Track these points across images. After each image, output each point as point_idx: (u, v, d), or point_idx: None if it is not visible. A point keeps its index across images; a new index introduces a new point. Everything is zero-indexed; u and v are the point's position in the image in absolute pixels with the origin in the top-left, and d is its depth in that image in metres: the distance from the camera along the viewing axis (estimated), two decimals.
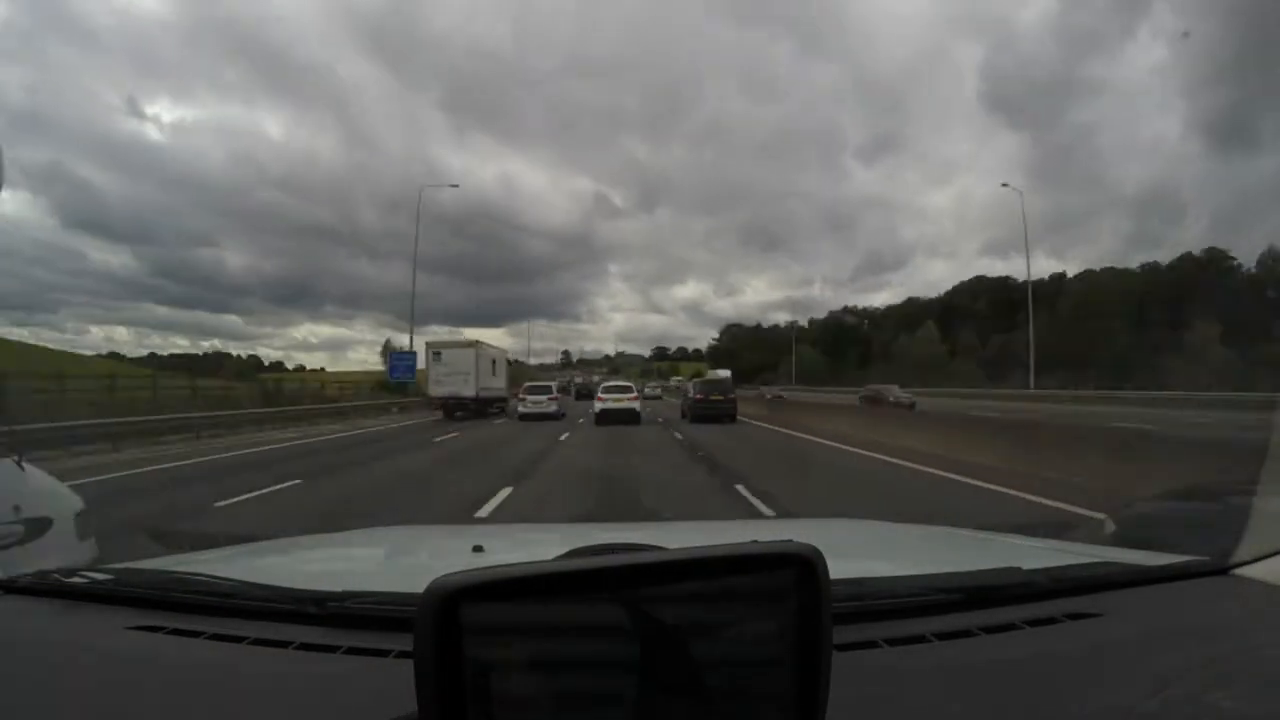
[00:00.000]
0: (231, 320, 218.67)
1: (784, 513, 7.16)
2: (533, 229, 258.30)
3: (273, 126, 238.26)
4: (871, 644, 0.98)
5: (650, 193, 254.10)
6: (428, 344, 27.89)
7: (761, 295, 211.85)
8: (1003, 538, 1.95)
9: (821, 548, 0.65)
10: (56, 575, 1.24)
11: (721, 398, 21.87)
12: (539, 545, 1.92)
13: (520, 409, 23.78)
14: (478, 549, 1.48)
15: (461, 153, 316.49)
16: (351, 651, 0.97)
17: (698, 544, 0.66)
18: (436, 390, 25.67)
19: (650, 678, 0.61)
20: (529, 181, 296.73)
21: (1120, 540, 2.09)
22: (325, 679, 0.93)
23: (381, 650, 0.95)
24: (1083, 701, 0.87)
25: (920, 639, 1.00)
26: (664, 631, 0.61)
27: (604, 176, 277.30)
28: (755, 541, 0.67)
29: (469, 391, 25.26)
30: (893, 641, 0.99)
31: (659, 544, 0.83)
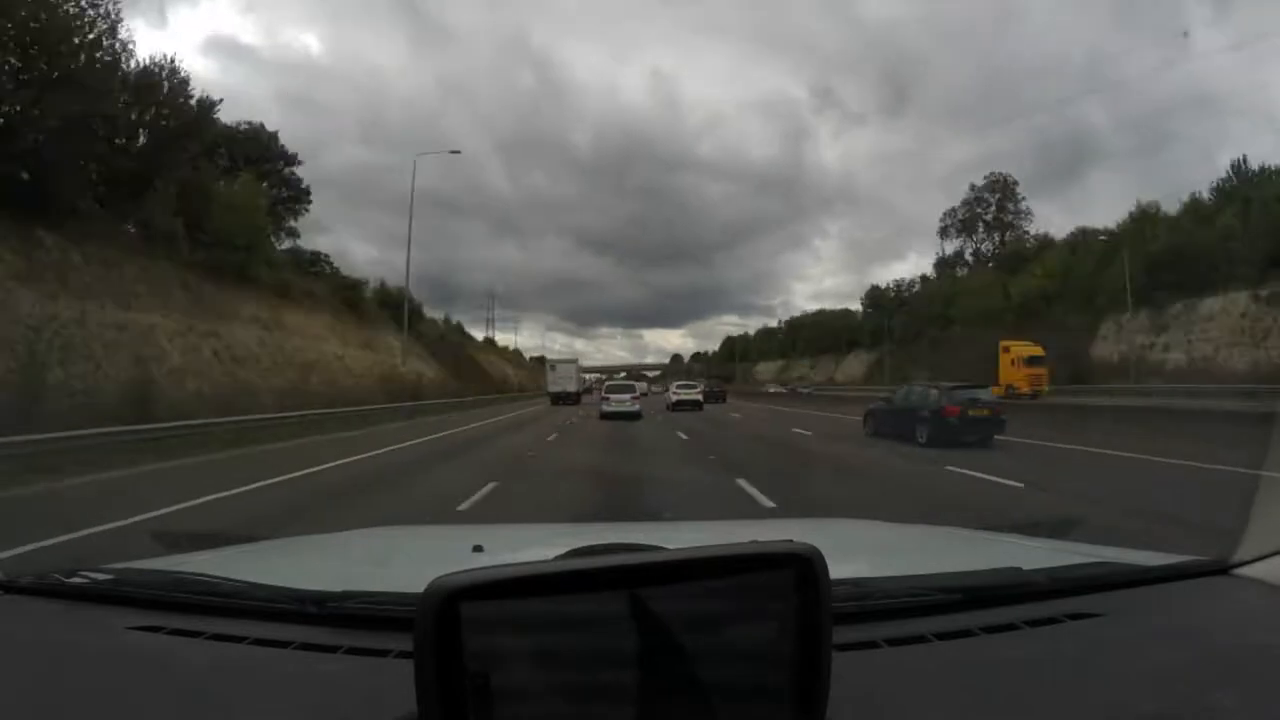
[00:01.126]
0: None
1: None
2: (714, 167, 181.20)
3: (312, 41, 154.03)
4: (871, 644, 0.98)
5: (890, 88, 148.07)
6: (547, 360, 53.06)
7: None
8: (1003, 538, 1.96)
9: (821, 548, 0.65)
10: (56, 575, 1.24)
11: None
12: (539, 545, 1.92)
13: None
14: (477, 549, 1.48)
15: (589, 44, 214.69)
16: (351, 651, 0.97)
17: (698, 544, 0.66)
18: (551, 389, 42.82)
19: (651, 678, 0.61)
20: (704, 80, 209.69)
21: None
22: (325, 679, 0.93)
23: (381, 650, 0.95)
24: (1083, 701, 0.87)
25: (920, 639, 1.00)
26: (664, 632, 0.61)
27: (815, 61, 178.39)
28: (755, 541, 0.67)
29: (572, 388, 42.69)
30: (893, 641, 0.99)
31: (659, 544, 0.83)
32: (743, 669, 0.63)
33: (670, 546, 0.71)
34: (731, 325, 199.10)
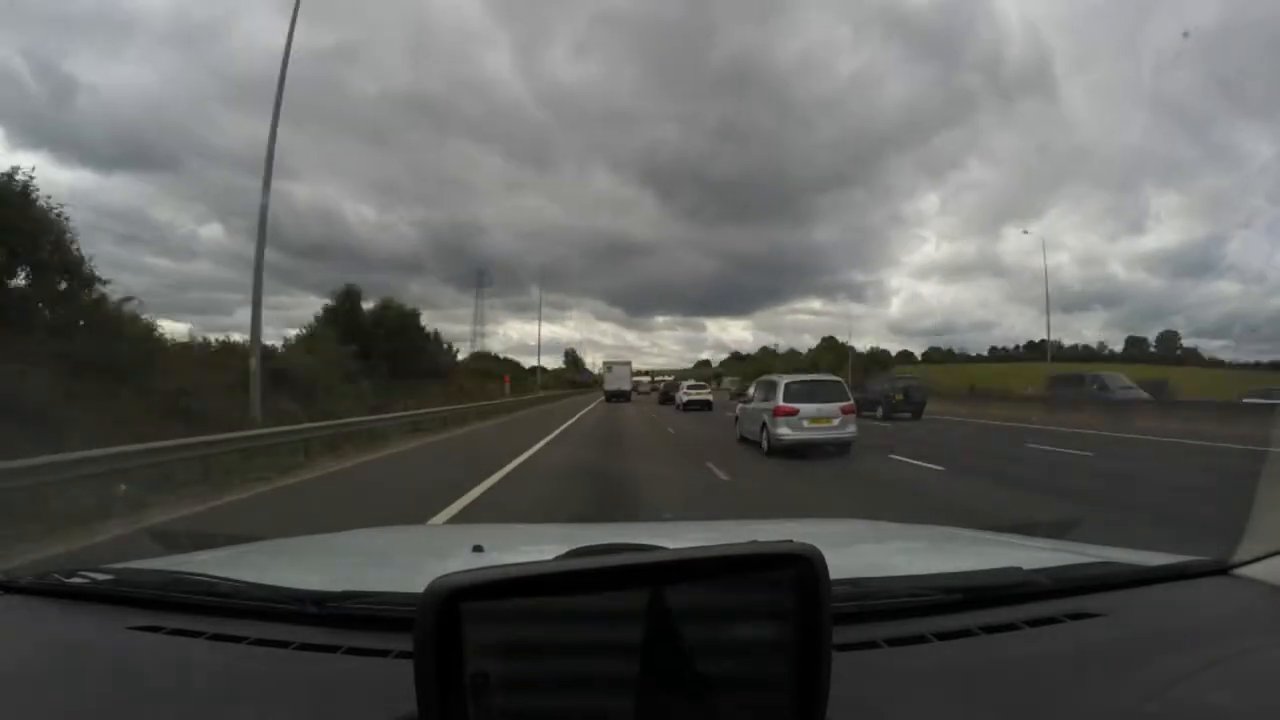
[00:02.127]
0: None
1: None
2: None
3: None
4: (871, 644, 0.98)
5: None
6: (604, 361, 52.82)
7: (1175, 235, 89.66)
8: (1003, 538, 1.95)
9: (821, 548, 0.65)
10: (56, 575, 1.24)
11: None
12: (538, 545, 1.92)
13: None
14: (477, 549, 1.48)
15: None
16: (351, 651, 0.97)
17: (698, 544, 0.66)
18: (608, 387, 45.64)
19: (651, 678, 0.61)
20: None
21: None
22: (325, 679, 0.93)
23: (381, 650, 0.95)
24: (1083, 701, 0.87)
25: (920, 639, 1.00)
26: (665, 632, 0.61)
27: None
28: (755, 541, 0.67)
29: (626, 387, 46.02)
30: (893, 641, 0.99)
31: (659, 544, 0.83)
32: (743, 669, 0.63)
33: (670, 546, 0.71)
34: (808, 314, 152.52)
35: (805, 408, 11.32)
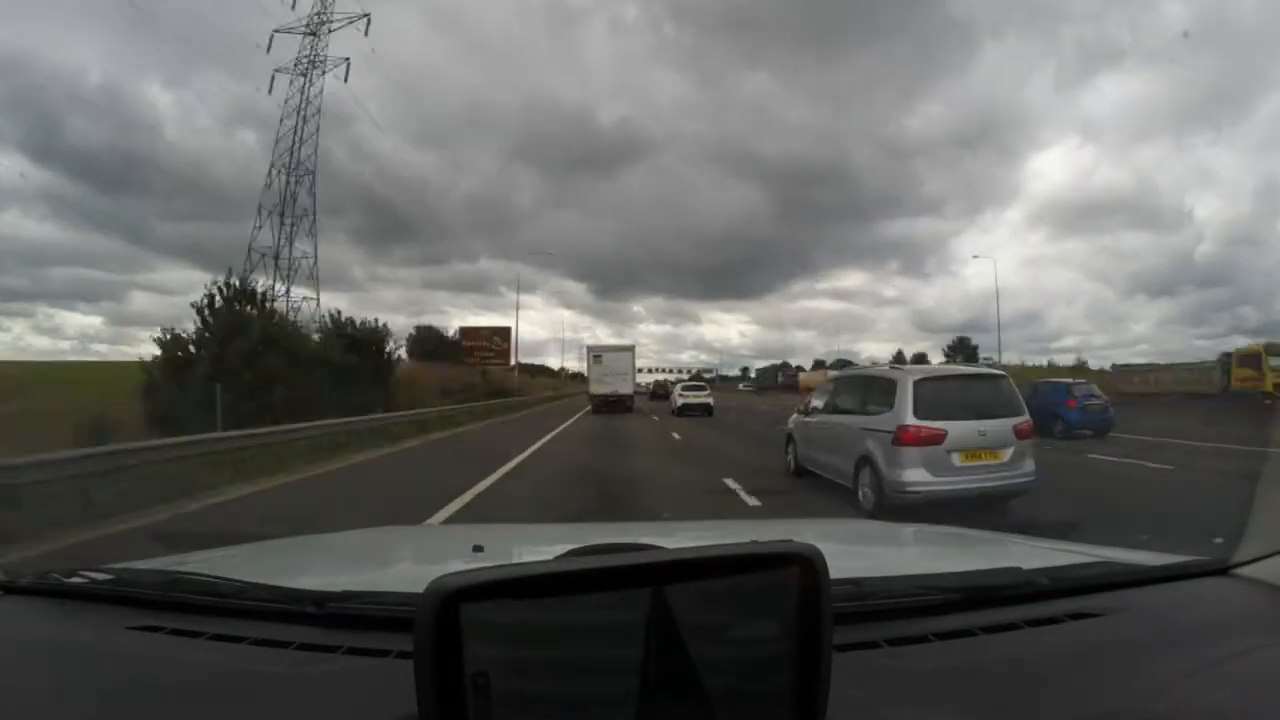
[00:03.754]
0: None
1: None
2: None
3: None
4: (871, 644, 0.98)
5: None
6: (588, 348, 32.21)
7: None
8: (1003, 538, 1.96)
9: (821, 548, 0.65)
10: (56, 575, 1.24)
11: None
12: (538, 545, 1.92)
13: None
14: (477, 549, 1.48)
15: None
16: (351, 651, 0.97)
17: (698, 544, 0.66)
18: (595, 389, 29.00)
19: (650, 677, 0.61)
20: None
21: None
22: (325, 679, 0.93)
23: (381, 650, 0.95)
24: (1084, 701, 0.87)
25: (920, 639, 1.00)
26: (664, 631, 0.61)
27: None
28: (755, 541, 0.67)
29: (626, 389, 28.99)
30: (893, 641, 0.99)
31: (658, 544, 0.83)
32: (743, 669, 0.63)
33: (670, 546, 0.71)
34: (830, 299, 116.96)
35: (954, 429, 5.94)
